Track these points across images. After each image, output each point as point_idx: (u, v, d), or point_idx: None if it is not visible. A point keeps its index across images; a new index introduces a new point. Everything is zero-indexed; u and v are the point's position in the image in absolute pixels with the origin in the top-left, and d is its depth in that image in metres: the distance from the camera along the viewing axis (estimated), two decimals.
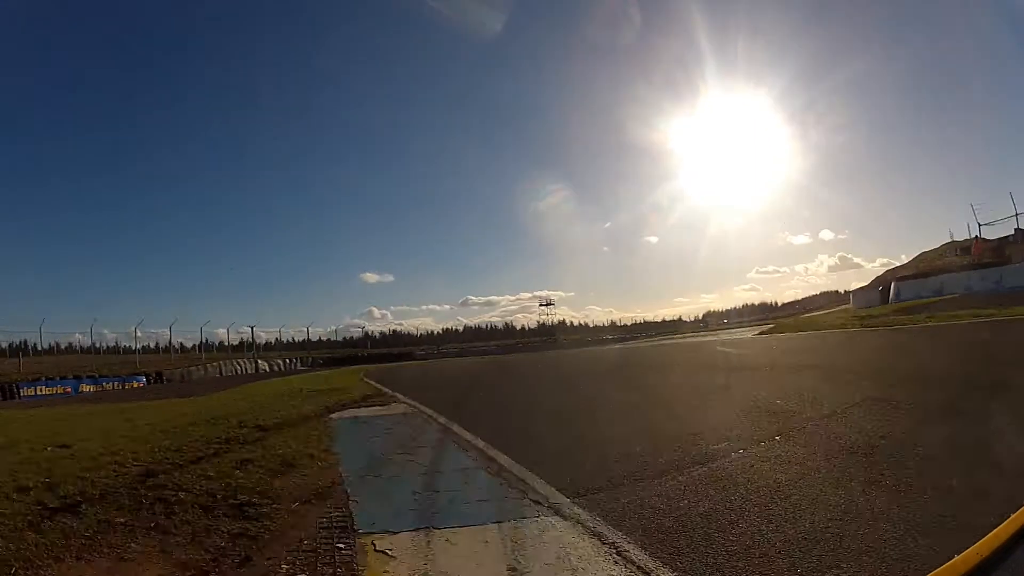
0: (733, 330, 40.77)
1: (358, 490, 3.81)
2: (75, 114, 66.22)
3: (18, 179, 67.32)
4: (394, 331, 70.09)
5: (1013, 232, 29.98)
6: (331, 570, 2.56)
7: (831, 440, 4.12)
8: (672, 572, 2.27)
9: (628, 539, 2.64)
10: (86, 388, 30.17)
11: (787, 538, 2.46)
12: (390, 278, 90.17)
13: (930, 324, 16.09)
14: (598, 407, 7.34)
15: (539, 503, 3.29)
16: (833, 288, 67.32)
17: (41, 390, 28.12)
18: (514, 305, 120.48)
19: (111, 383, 30.68)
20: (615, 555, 2.48)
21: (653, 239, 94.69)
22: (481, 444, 4.98)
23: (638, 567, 2.35)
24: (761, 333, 25.55)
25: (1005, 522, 1.23)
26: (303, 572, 2.53)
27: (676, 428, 5.07)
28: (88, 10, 60.85)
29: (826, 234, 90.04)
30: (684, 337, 41.02)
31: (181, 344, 45.47)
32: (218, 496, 3.70)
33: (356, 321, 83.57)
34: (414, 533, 2.93)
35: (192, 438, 5.75)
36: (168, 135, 74.22)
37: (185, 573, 2.70)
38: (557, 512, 3.10)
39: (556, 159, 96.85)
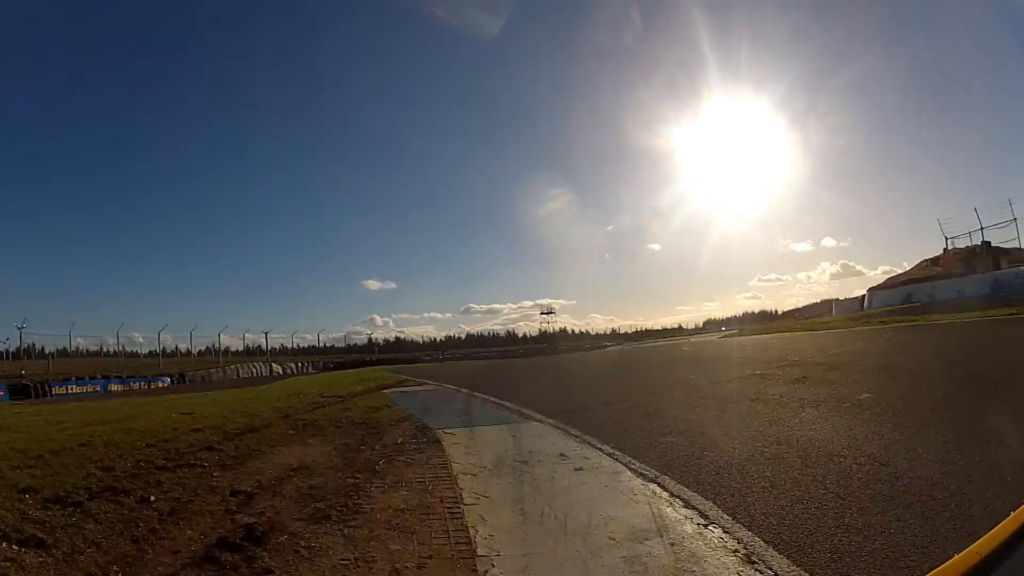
0: (705, 335, 46.03)
1: (424, 416, 6.64)
2: (77, 116, 69.03)
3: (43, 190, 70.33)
4: (397, 338, 72.29)
5: (980, 244, 32.71)
6: (425, 439, 5.35)
7: (698, 390, 6.96)
8: (592, 436, 5.07)
9: (570, 428, 5.46)
10: (114, 387, 32.76)
11: (642, 419, 5.27)
12: (392, 285, 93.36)
13: (858, 328, 19.16)
14: (567, 382, 10.28)
15: (528, 418, 6.15)
16: (834, 296, 69.28)
17: (71, 389, 30.78)
18: (516, 313, 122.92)
19: (137, 383, 33.37)
20: (564, 433, 5.29)
21: (655, 247, 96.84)
22: (492, 399, 7.83)
23: (574, 437, 5.15)
24: (723, 337, 29.22)
25: (1005, 521, 1.22)
26: (412, 440, 5.32)
27: (615, 391, 7.93)
28: (86, 10, 63.53)
29: (828, 241, 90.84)
30: (659, 341, 47.46)
31: (188, 349, 48.34)
32: (343, 421, 6.49)
33: (357, 328, 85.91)
34: (461, 428, 5.77)
35: (293, 403, 8.53)
36: (172, 139, 77.22)
37: (346, 448, 5.46)
38: (536, 420, 5.92)
39: (559, 165, 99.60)
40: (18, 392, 28.34)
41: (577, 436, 5.10)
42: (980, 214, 32.49)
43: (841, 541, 2.49)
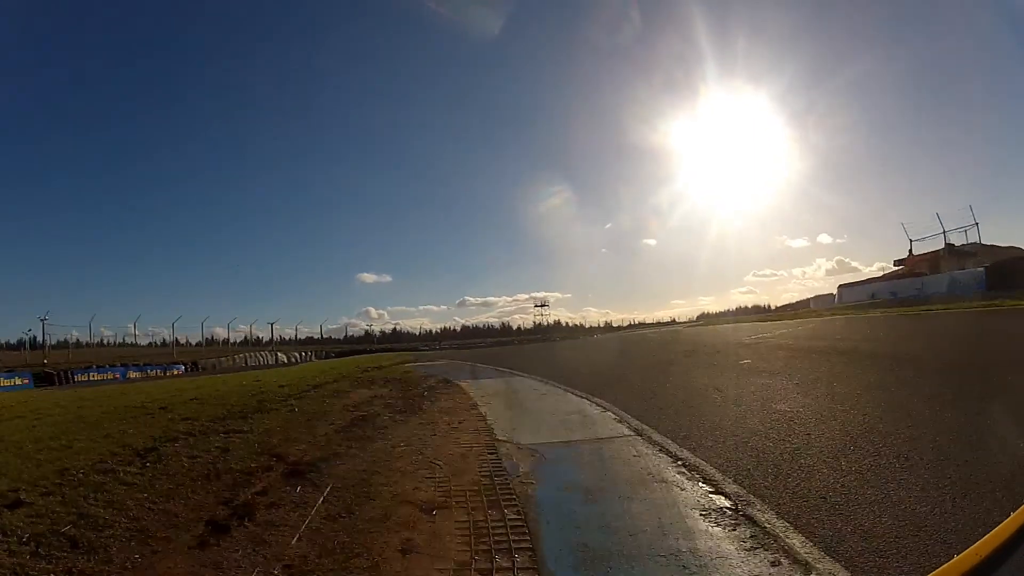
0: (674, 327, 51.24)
1: (445, 375, 9.51)
2: (78, 116, 70.54)
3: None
4: (394, 330, 74.45)
5: (944, 246, 35.73)
6: (449, 385, 8.20)
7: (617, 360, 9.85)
8: (555, 381, 7.92)
9: (543, 379, 8.31)
10: (132, 375, 35.30)
11: (591, 375, 8.15)
12: (388, 279, 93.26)
13: (811, 319, 22.18)
14: (548, 357, 13.22)
15: (516, 375, 9.00)
16: (829, 292, 70.91)
17: (92, 376, 33.28)
18: (511, 306, 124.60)
19: (154, 370, 35.94)
20: (539, 381, 8.15)
21: (652, 242, 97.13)
22: (491, 367, 10.69)
23: (544, 382, 8.01)
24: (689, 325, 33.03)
25: (1005, 522, 1.24)
26: (441, 385, 8.18)
27: (580, 362, 10.81)
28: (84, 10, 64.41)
29: (824, 238, 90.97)
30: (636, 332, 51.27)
31: (198, 340, 50.94)
32: (388, 379, 9.34)
33: (353, 321, 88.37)
34: (472, 380, 8.68)
35: (342, 372, 11.34)
36: (172, 139, 78.82)
37: (400, 390, 8.30)
38: (521, 376, 8.79)
39: (556, 162, 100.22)
40: (42, 379, 30.79)
41: (546, 381, 7.97)
42: (908, 230, 35.92)
43: (667, 416, 5.35)
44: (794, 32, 65.72)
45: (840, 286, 37.46)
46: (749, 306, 78.50)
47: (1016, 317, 13.87)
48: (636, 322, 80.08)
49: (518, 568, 2.28)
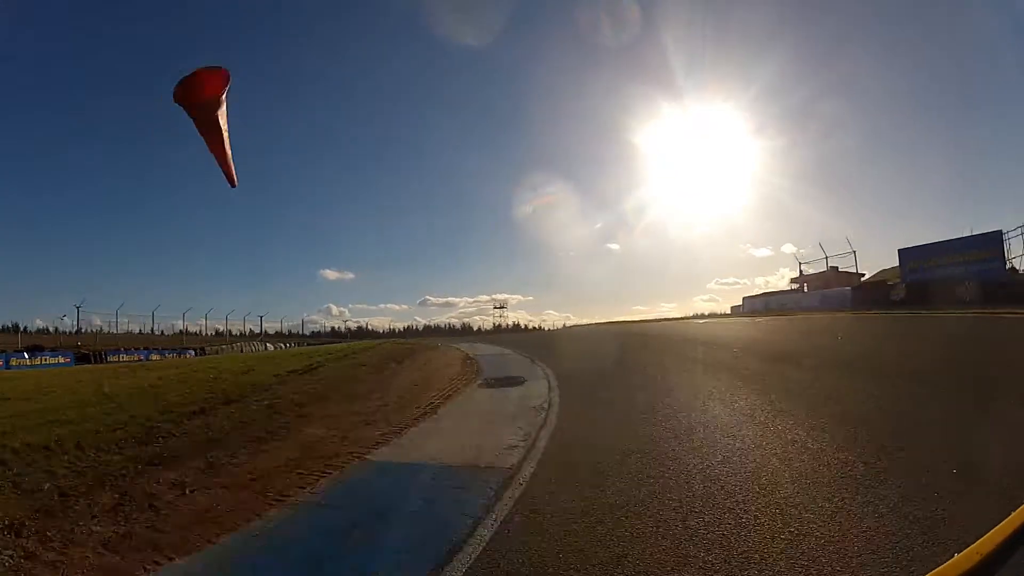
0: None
1: (440, 342, 16.77)
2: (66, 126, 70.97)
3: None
4: (360, 327, 75.17)
5: (828, 268, 44.74)
6: (444, 345, 15.52)
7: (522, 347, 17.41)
8: (511, 348, 15.34)
9: (507, 349, 15.73)
10: (154, 357, 41.04)
11: (539, 347, 15.64)
12: (350, 276, 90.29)
13: (705, 321, 30.23)
14: (493, 341, 20.60)
15: (480, 343, 16.44)
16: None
17: (121, 358, 39.01)
18: (472, 307, 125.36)
19: (171, 354, 41.71)
20: (515, 352, 15.56)
21: (615, 247, 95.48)
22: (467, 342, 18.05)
23: (508, 353, 15.44)
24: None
25: (1004, 521, 1.26)
26: (437, 346, 15.51)
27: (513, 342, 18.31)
28: None
29: (788, 247, 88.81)
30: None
31: (189, 329, 56.07)
32: (390, 351, 16.59)
33: (313, 317, 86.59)
34: (466, 344, 16.01)
35: (354, 347, 18.40)
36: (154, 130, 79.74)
37: (401, 350, 15.52)
38: (483, 344, 16.22)
39: (518, 166, 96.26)
40: (80, 359, 36.51)
41: (510, 353, 15.31)
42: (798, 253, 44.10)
43: (565, 364, 12.83)
44: (761, 45, 64.44)
45: (744, 297, 46.29)
46: (708, 313, 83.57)
47: (846, 322, 21.99)
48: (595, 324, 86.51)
49: (474, 376, 9.64)
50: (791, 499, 2.80)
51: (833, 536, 2.37)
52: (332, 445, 5.04)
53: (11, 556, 2.74)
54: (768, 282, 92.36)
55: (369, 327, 73.74)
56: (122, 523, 3.22)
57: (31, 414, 6.34)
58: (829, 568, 2.12)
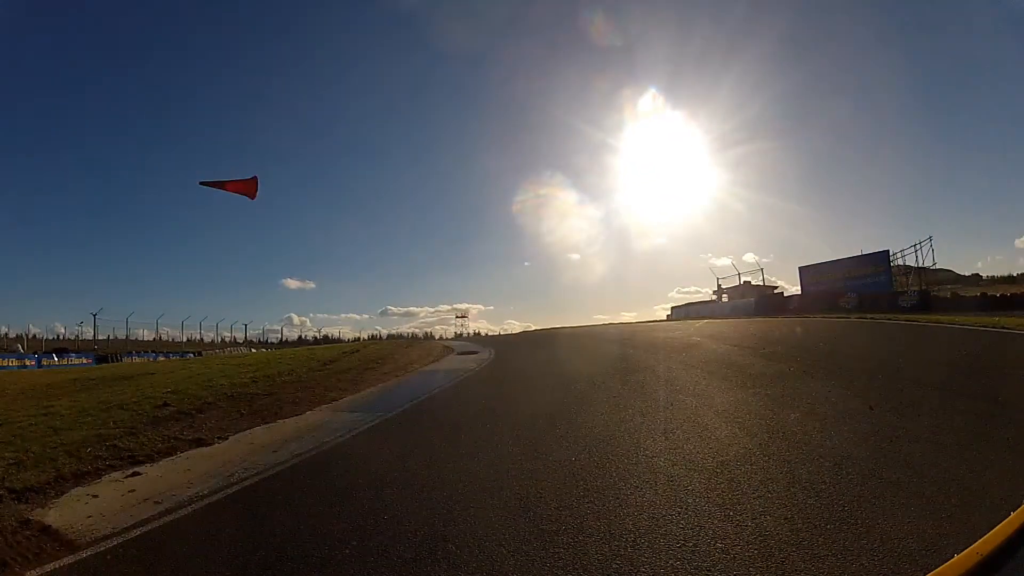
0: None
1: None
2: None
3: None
4: (326, 336, 75.59)
5: (743, 282, 53.51)
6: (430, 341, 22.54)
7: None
8: (480, 344, 22.45)
9: (477, 344, 22.82)
10: (160, 360, 46.21)
11: (499, 344, 22.78)
12: (311, 285, 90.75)
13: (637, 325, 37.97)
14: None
15: (452, 342, 23.52)
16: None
17: (135, 360, 44.08)
18: (433, 316, 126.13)
19: (175, 356, 46.87)
20: (474, 344, 22.63)
21: (575, 256, 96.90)
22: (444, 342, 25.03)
23: (478, 345, 22.53)
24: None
25: (1004, 522, 1.28)
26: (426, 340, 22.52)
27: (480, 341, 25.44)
28: None
29: (750, 257, 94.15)
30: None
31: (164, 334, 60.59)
32: (393, 337, 23.49)
33: (273, 327, 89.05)
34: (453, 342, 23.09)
35: (356, 346, 25.13)
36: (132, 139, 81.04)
37: (412, 342, 22.43)
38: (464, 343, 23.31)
39: (478, 176, 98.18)
40: (100, 360, 41.56)
41: (471, 345, 22.29)
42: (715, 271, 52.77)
43: (503, 347, 19.97)
44: (724, 55, 66.07)
45: (673, 307, 54.81)
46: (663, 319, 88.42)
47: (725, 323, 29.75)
48: None
49: (451, 352, 16.68)
50: (579, 370, 10.02)
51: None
52: (394, 373, 12.00)
53: (246, 407, 9.64)
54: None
55: (332, 336, 73.40)
56: (305, 392, 10.13)
57: (197, 376, 13.01)
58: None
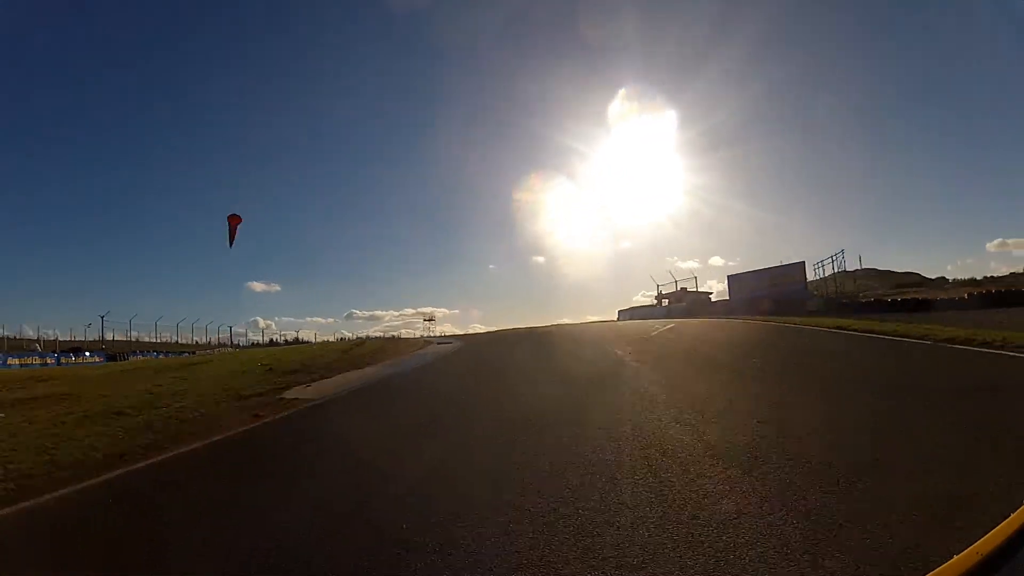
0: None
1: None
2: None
3: None
4: (296, 339, 76.38)
5: (680, 289, 61.01)
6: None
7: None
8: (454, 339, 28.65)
9: (456, 340, 29.03)
10: (161, 358, 50.53)
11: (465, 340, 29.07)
12: (277, 288, 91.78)
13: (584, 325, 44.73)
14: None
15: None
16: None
17: (139, 358, 48.38)
18: (398, 320, 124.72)
19: (175, 355, 51.25)
20: (447, 339, 28.85)
21: (540, 259, 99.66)
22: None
23: (451, 340, 28.73)
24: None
25: (1005, 522, 1.27)
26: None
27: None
28: None
29: (716, 260, 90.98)
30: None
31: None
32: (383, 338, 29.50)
33: (238, 329, 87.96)
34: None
35: (352, 343, 30.99)
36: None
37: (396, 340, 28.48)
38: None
39: (442, 178, 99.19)
40: (110, 358, 45.85)
41: (444, 339, 28.40)
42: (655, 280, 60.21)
43: (470, 341, 26.22)
44: (696, 57, 68.08)
45: (619, 310, 62.01)
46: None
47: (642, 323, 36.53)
48: None
49: (431, 344, 22.84)
50: (519, 345, 16.37)
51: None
52: (400, 354, 18.11)
53: (320, 370, 15.73)
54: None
55: (302, 339, 74.56)
56: (347, 364, 16.20)
57: (252, 361, 18.86)
58: None
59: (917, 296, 32.76)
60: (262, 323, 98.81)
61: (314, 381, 11.13)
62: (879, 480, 3.07)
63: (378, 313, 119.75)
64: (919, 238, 78.44)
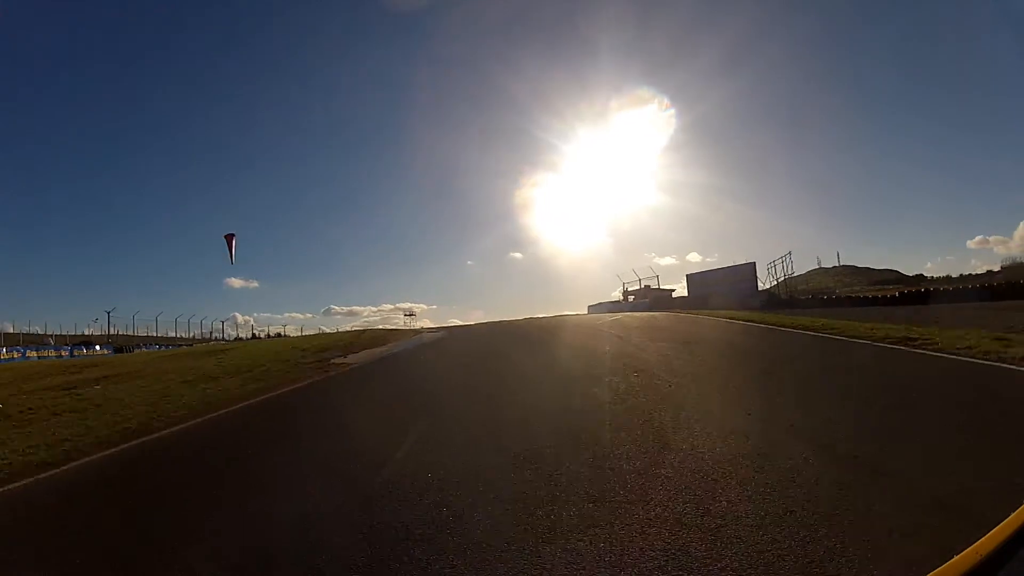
0: None
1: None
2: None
3: None
4: (279, 333, 75.26)
5: (644, 287, 66.61)
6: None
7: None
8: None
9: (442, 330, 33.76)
10: (163, 351, 53.84)
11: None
12: (255, 284, 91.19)
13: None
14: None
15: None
16: None
17: (143, 349, 51.69)
18: (376, 316, 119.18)
19: (174, 348, 54.63)
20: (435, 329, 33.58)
21: (518, 255, 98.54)
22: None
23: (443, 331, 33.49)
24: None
25: (1004, 522, 1.26)
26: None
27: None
28: None
29: (694, 256, 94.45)
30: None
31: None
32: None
33: (216, 326, 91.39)
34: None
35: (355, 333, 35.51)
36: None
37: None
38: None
39: (420, 173, 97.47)
40: (118, 350, 49.11)
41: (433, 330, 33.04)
42: (621, 278, 65.17)
43: (455, 331, 30.99)
44: (672, 52, 69.43)
45: (588, 305, 67.38)
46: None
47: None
48: None
49: (423, 334, 27.56)
50: (492, 331, 21.22)
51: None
52: (400, 340, 22.77)
53: (344, 349, 20.39)
54: (675, 290, 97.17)
55: (284, 335, 71.70)
56: (361, 347, 20.83)
57: (278, 347, 23.31)
58: None
59: (852, 295, 38.97)
60: (240, 319, 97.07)
61: (346, 355, 15.75)
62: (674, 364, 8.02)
63: (356, 308, 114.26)
64: (902, 235, 79.91)
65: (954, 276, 49.66)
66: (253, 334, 70.97)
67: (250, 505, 3.87)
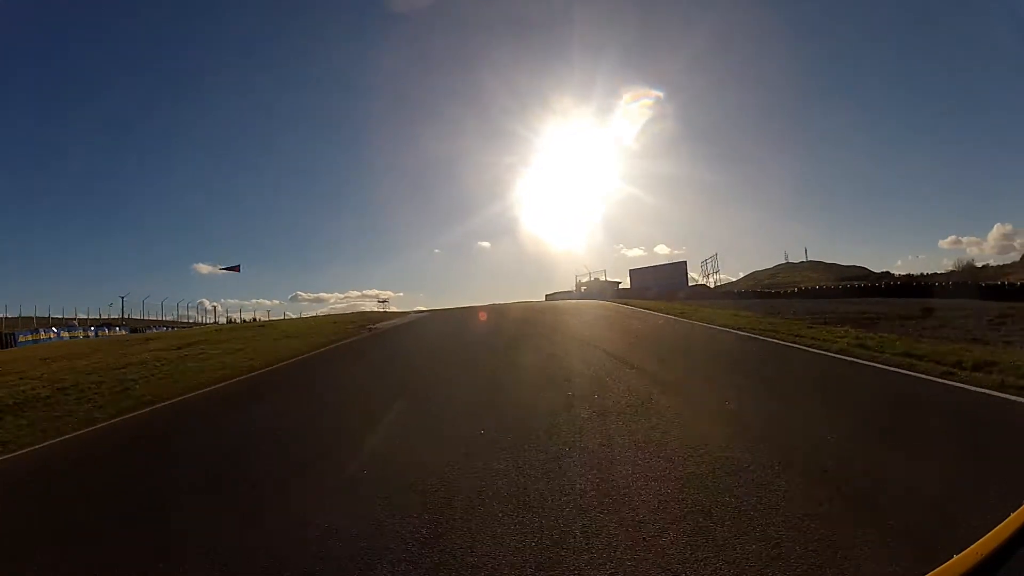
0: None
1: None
2: None
3: None
4: (254, 318, 74.73)
5: (591, 279, 75.75)
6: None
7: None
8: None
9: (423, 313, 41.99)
10: (184, 330, 59.76)
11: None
12: (221, 270, 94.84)
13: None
14: None
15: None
16: None
17: (155, 330, 57.67)
18: (343, 303, 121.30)
19: (173, 328, 60.58)
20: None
21: (486, 244, 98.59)
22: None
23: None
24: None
25: (1004, 522, 1.25)
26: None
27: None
28: None
29: (662, 248, 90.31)
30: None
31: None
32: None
33: (183, 314, 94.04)
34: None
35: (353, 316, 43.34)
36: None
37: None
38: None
39: (389, 160, 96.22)
40: (134, 331, 54.93)
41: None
42: (588, 268, 74.04)
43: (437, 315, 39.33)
44: (651, 47, 72.62)
45: (546, 294, 76.13)
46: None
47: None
48: None
49: (406, 315, 35.79)
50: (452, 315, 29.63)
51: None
52: (402, 318, 30.86)
53: (369, 323, 28.53)
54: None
55: (257, 320, 71.38)
56: (374, 321, 28.99)
57: (304, 325, 31.14)
58: None
59: (762, 291, 48.67)
60: (208, 304, 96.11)
61: (375, 323, 23.85)
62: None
63: (323, 295, 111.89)
64: (875, 234, 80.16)
65: (915, 274, 50.54)
66: (228, 319, 71.51)
67: (374, 357, 12.36)
